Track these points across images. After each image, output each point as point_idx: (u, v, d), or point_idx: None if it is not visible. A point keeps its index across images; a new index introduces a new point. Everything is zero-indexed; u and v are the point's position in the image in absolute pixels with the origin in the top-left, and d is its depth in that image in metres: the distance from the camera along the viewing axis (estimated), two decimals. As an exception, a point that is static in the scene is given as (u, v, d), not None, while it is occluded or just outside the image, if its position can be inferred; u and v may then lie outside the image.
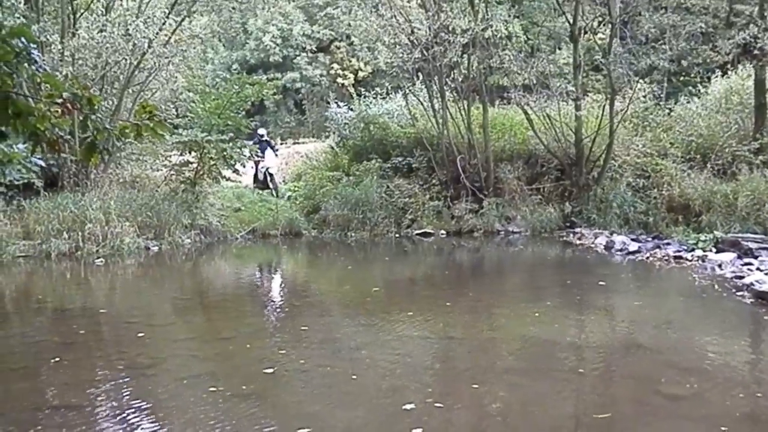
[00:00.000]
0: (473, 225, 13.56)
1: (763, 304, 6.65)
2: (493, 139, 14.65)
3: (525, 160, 14.52)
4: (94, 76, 12.72)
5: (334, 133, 17.44)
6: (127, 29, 12.63)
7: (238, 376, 4.83)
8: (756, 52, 12.74)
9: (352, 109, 16.98)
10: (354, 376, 4.76)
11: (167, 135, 11.66)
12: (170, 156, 14.03)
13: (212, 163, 12.92)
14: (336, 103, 17.69)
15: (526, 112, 14.03)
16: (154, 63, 13.39)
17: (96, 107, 3.34)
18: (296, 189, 16.11)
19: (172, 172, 13.24)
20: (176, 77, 14.85)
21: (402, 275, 9.85)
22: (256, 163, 16.41)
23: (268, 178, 16.29)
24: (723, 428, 3.78)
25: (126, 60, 12.80)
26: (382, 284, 8.86)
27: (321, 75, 30.24)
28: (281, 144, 25.89)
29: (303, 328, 6.34)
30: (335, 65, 30.17)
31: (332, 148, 17.09)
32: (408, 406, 4.08)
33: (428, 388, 4.60)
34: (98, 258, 10.22)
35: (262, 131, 17.07)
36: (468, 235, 13.27)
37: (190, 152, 12.96)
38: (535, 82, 14.06)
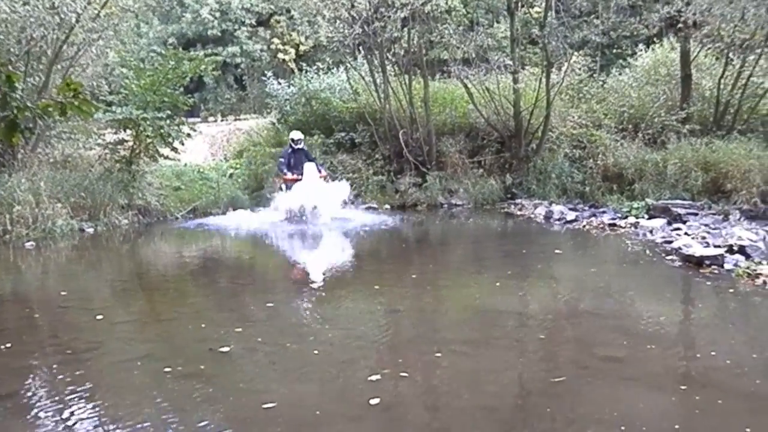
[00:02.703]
0: (417, 199, 13.69)
1: (689, 266, 6.98)
2: (434, 113, 14.74)
3: (466, 134, 14.70)
4: (18, 51, 12.16)
5: (275, 109, 17.21)
6: (53, 2, 12.09)
7: (182, 356, 4.78)
8: (680, 25, 13.16)
9: (293, 85, 16.77)
10: (315, 352, 4.79)
11: (97, 113, 11.37)
12: (104, 134, 13.58)
13: (149, 141, 12.58)
14: (276, 79, 17.39)
15: (466, 86, 14.15)
16: (84, 38, 12.88)
17: (16, 84, 3.21)
18: (238, 166, 15.87)
19: (106, 151, 12.82)
20: (108, 52, 14.34)
21: (346, 251, 9.88)
22: (286, 184, 12.08)
23: (306, 210, 11.47)
24: (662, 386, 3.99)
25: (53, 35, 12.27)
26: (326, 260, 8.87)
27: (261, 50, 29.74)
28: (222, 121, 25.46)
29: (249, 306, 6.33)
30: (276, 40, 29.71)
31: (274, 124, 16.88)
32: (366, 378, 4.14)
33: (382, 359, 4.67)
34: (28, 241, 9.85)
35: (296, 135, 12.57)
36: (412, 209, 13.39)
37: (125, 130, 12.57)
38: (474, 55, 14.18)
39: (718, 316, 5.75)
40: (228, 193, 13.74)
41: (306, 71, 17.34)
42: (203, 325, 5.61)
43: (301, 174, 11.80)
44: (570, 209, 11.69)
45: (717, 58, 14.58)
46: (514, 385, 4.12)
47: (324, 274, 8.01)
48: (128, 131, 12.53)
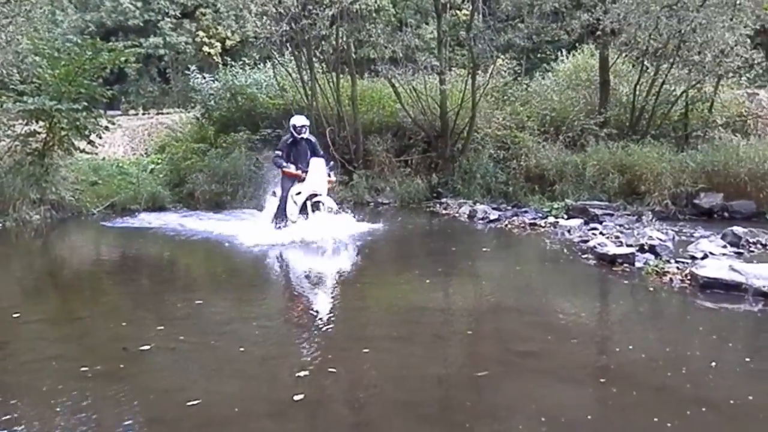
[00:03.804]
0: (343, 197, 13.62)
1: (603, 264, 7.25)
2: (362, 111, 14.77)
3: (393, 133, 14.76)
4: None
5: (199, 103, 16.81)
6: (-41, -15, 11.41)
7: (100, 355, 4.60)
8: (599, 32, 13.66)
9: (218, 80, 16.43)
10: (241, 349, 4.71)
11: (7, 102, 10.80)
12: (14, 125, 12.92)
13: (64, 133, 12.06)
14: (201, 73, 16.97)
15: (393, 86, 14.24)
16: (-7, 24, 12.23)
17: None
18: (159, 161, 15.42)
19: (16, 143, 12.19)
20: (20, 39, 13.64)
21: (272, 249, 9.74)
22: (281, 185, 9.82)
23: (311, 211, 9.47)
24: (581, 380, 4.12)
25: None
26: (249, 258, 8.72)
27: (186, 42, 28.96)
28: (144, 114, 24.67)
29: (172, 305, 6.15)
30: (201, 33, 29.01)
31: (198, 119, 16.50)
32: (293, 374, 4.09)
33: (310, 356, 4.63)
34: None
35: (299, 120, 10.06)
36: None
37: (37, 121, 12.01)
38: (402, 55, 14.27)
39: (631, 312, 6.00)
40: (149, 189, 13.33)
41: (231, 66, 17.02)
42: (123, 324, 5.42)
43: (304, 173, 9.57)
44: (493, 209, 11.93)
45: (633, 65, 15.17)
46: (437, 380, 4.16)
47: (251, 272, 7.87)
48: (41, 122, 11.97)
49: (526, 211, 11.90)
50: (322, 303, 6.36)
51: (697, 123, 14.57)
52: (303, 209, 9.52)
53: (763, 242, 8.39)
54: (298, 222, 9.46)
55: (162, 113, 23.43)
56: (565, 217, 10.87)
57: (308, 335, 5.22)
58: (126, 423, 3.46)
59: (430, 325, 5.42)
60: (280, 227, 9.56)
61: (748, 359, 4.48)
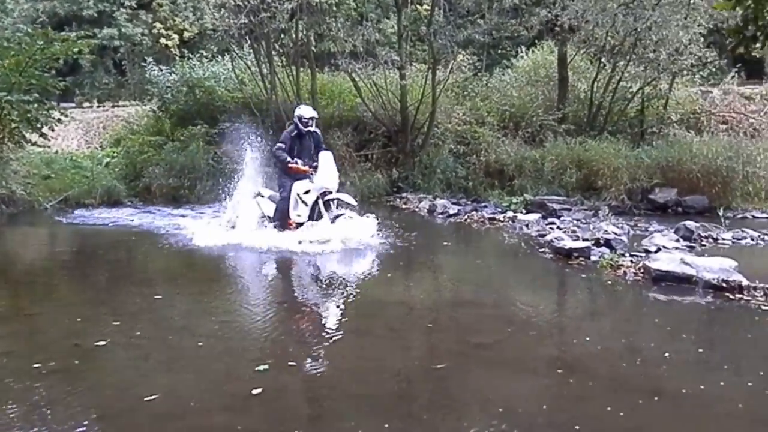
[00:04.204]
0: (303, 191, 13.55)
1: (560, 258, 7.34)
2: (322, 105, 14.64)
3: (354, 127, 14.72)
4: None
5: (156, 96, 16.48)
6: None
7: (53, 351, 4.44)
8: (557, 29, 13.83)
9: (175, 72, 16.13)
10: (200, 344, 4.62)
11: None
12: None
13: (14, 126, 11.69)
14: (157, 66, 16.63)
15: (353, 80, 14.18)
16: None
17: None
18: (115, 155, 15.09)
19: (-37, 136, 11.80)
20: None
21: (234, 242, 9.60)
22: (280, 183, 8.81)
23: (324, 210, 8.43)
24: (538, 371, 4.14)
25: None
26: (210, 255, 8.56)
27: (142, 34, 28.34)
28: (99, 107, 24.10)
29: (129, 300, 5.99)
30: (158, 24, 28.41)
31: (154, 112, 16.18)
32: (253, 369, 4.03)
33: (270, 350, 4.56)
34: None
35: (306, 111, 8.90)
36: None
37: (-15, 114, 11.63)
38: (362, 50, 14.22)
39: (587, 305, 6.09)
40: (104, 183, 13.03)
41: (189, 58, 16.73)
42: (78, 320, 5.25)
43: (312, 168, 8.57)
44: (453, 203, 11.99)
45: (591, 62, 15.41)
46: (395, 373, 4.15)
47: (211, 269, 7.73)
48: (-11, 115, 11.59)
49: (485, 206, 11.99)
50: (282, 298, 6.30)
51: (652, 120, 14.88)
52: (317, 212, 8.43)
53: (714, 236, 8.61)
54: (309, 224, 8.41)
55: (118, 106, 22.90)
56: (524, 211, 10.99)
57: (268, 330, 5.15)
58: (80, 420, 3.35)
59: (390, 319, 5.41)
60: (277, 222, 8.67)
61: (700, 350, 4.58)
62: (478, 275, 7.18)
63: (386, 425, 3.28)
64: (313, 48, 15.20)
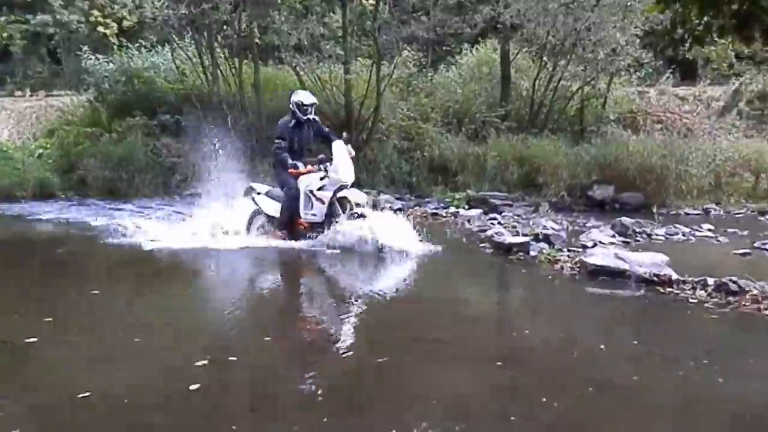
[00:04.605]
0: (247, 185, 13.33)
1: (500, 253, 7.44)
2: (266, 98, 14.47)
3: (298, 121, 14.54)
4: None
5: (92, 86, 15.95)
6: None
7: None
8: (500, 27, 14.02)
9: (112, 62, 15.64)
10: (137, 339, 4.46)
11: None
12: None
13: (-63, 114, 11.12)
14: (94, 54, 16.08)
15: (297, 73, 14.04)
16: None
17: None
18: (48, 146, 14.54)
19: None
20: None
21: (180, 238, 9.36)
22: (283, 179, 7.98)
23: (339, 209, 7.65)
24: (479, 364, 4.16)
25: None
26: (149, 251, 8.31)
27: (79, 21, 27.32)
28: (31, 96, 23.14)
29: (64, 296, 5.81)
30: (95, 12, 27.42)
31: (91, 102, 15.66)
32: (192, 364, 3.94)
33: (210, 345, 4.49)
34: None
35: (305, 98, 8.21)
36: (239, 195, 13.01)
37: None
38: (306, 43, 14.09)
39: (525, 299, 6.18)
40: (36, 175, 12.56)
41: (128, 48, 16.24)
42: (6, 317, 5.03)
43: (321, 164, 7.70)
44: (397, 199, 12.02)
45: (533, 61, 15.67)
46: (337, 368, 4.11)
47: (151, 264, 7.50)
48: None
49: (429, 202, 12.06)
50: (224, 293, 6.18)
51: (591, 118, 15.24)
52: (331, 211, 7.64)
53: (649, 232, 8.88)
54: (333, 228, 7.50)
55: (52, 95, 21.98)
56: (467, 207, 11.12)
57: (208, 325, 5.06)
58: (9, 420, 3.19)
59: (333, 313, 5.38)
60: (279, 222, 7.85)
61: (635, 342, 4.70)
62: (419, 270, 7.19)
63: (325, 419, 3.25)
64: (257, 40, 14.96)
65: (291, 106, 8.07)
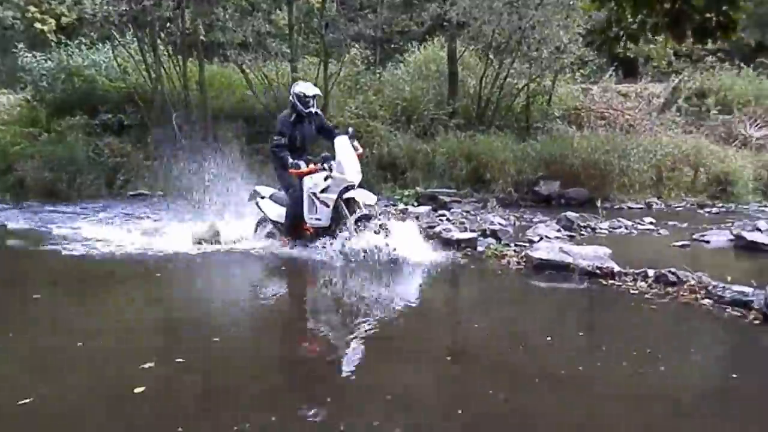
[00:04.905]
0: (192, 185, 13.07)
1: (449, 249, 7.46)
2: (211, 97, 14.24)
3: (245, 119, 14.39)
4: None
5: (30, 84, 15.42)
6: None
7: None
8: (446, 25, 14.12)
9: (51, 59, 15.13)
10: (79, 344, 4.29)
11: None
12: None
13: None
14: (31, 52, 15.53)
15: (243, 71, 13.86)
16: None
17: None
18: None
19: None
20: None
21: (129, 237, 9.08)
22: (285, 181, 7.43)
23: (346, 212, 6.92)
24: (426, 358, 4.16)
25: None
26: (94, 255, 8.05)
27: (14, 17, 26.38)
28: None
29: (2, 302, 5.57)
30: (32, 8, 26.52)
31: (28, 101, 15.15)
32: (137, 367, 3.83)
33: (156, 347, 4.39)
34: None
35: (307, 89, 7.42)
36: (185, 195, 12.74)
37: None
38: (252, 41, 13.92)
39: (474, 293, 6.22)
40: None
41: (67, 45, 15.75)
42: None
43: (325, 163, 6.97)
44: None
45: (480, 59, 15.83)
46: (286, 365, 4.08)
47: (95, 268, 7.26)
48: None
49: (378, 199, 12.04)
50: (172, 294, 6.04)
51: (537, 115, 15.48)
52: (338, 213, 6.97)
53: (593, 226, 9.08)
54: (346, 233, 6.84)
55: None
56: (416, 204, 11.15)
57: (155, 326, 4.94)
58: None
59: (279, 312, 5.32)
60: (298, 235, 7.25)
61: (581, 333, 4.78)
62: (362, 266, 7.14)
63: (273, 418, 3.21)
64: (201, 38, 14.70)
65: (291, 98, 7.37)
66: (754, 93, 17.17)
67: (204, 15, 14.21)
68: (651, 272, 5.76)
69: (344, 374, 3.91)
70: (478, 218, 9.15)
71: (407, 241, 6.75)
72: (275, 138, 7.29)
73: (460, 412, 3.28)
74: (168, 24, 14.19)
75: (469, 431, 3.14)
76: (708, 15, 3.58)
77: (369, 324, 4.94)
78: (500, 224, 8.40)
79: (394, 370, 3.96)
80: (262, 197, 7.75)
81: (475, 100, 15.13)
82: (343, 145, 7.01)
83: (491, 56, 14.86)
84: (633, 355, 4.09)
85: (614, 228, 9.18)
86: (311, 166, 7.04)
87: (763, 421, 3.29)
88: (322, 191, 6.96)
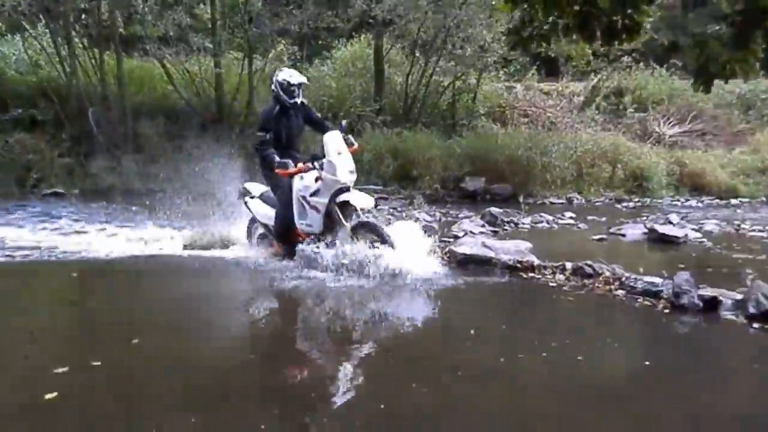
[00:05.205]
0: (111, 183, 12.61)
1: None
2: (131, 92, 13.77)
3: (166, 115, 13.98)
4: None
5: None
6: None
7: None
8: (371, 21, 14.13)
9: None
10: None
11: None
12: None
13: None
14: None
15: (164, 66, 13.46)
16: None
17: None
18: None
19: None
20: None
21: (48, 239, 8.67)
22: (272, 181, 6.62)
23: (341, 218, 6.15)
24: (351, 355, 4.14)
25: None
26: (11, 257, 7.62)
27: None
28: None
29: None
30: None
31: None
32: (51, 372, 3.65)
33: (71, 351, 4.22)
34: None
35: (292, 76, 6.51)
36: (104, 194, 12.28)
37: None
38: (173, 35, 13.53)
39: (399, 289, 6.21)
40: None
41: (-29, 36, 14.91)
42: None
43: (314, 161, 6.13)
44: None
45: (406, 56, 15.92)
46: (206, 368, 3.95)
47: (10, 272, 6.87)
48: None
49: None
50: (90, 297, 5.79)
51: (462, 112, 15.72)
52: (333, 218, 6.20)
53: (516, 221, 9.28)
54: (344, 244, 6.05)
55: None
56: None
57: (71, 330, 4.73)
58: None
59: (201, 313, 5.19)
60: (289, 242, 6.49)
61: (503, 326, 4.85)
62: (289, 263, 7.05)
63: (193, 419, 3.14)
64: (120, 30, 14.17)
65: (273, 87, 6.50)
66: (667, 92, 17.98)
67: (122, 7, 13.70)
68: (569, 265, 5.92)
69: (261, 374, 3.86)
70: (405, 215, 9.19)
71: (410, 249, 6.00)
72: (258, 134, 6.50)
73: (382, 406, 3.28)
74: (83, 15, 13.61)
75: (383, 419, 3.15)
76: (614, 17, 3.70)
77: (289, 321, 4.89)
78: (426, 220, 8.47)
79: (317, 367, 3.93)
80: (252, 196, 6.96)
81: (401, 98, 15.21)
82: (333, 141, 6.16)
83: (417, 54, 14.97)
84: (552, 346, 4.18)
85: (536, 223, 9.41)
86: (300, 165, 6.19)
87: (674, 404, 3.42)
88: (313, 194, 6.19)
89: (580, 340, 4.39)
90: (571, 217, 10.01)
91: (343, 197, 6.10)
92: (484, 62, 14.29)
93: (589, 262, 5.85)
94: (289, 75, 6.48)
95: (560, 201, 12.47)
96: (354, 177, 6.23)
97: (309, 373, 3.87)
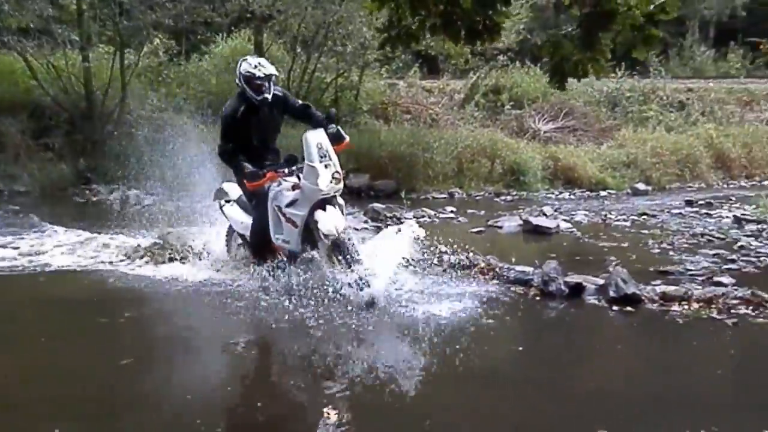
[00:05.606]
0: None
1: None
2: (-12, 87, 12.78)
3: (30, 113, 13.09)
4: None
5: None
6: None
7: None
8: (249, 16, 13.90)
9: None
10: None
11: None
12: None
13: None
14: None
15: (26, 59, 12.59)
16: None
17: None
18: None
19: None
20: None
21: None
22: (247, 190, 5.63)
23: (321, 235, 5.15)
24: (231, 353, 4.21)
25: None
26: None
27: None
28: None
29: None
30: None
31: None
32: None
33: None
34: None
35: (259, 67, 5.48)
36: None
37: None
38: (34, 26, 12.66)
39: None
40: None
41: None
42: None
43: (291, 166, 5.38)
44: (148, 194, 11.39)
45: (287, 52, 15.75)
46: (80, 374, 3.84)
47: None
48: None
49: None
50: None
51: (345, 109, 15.74)
52: (307, 236, 5.36)
53: (399, 216, 9.42)
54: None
55: None
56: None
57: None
58: None
59: (77, 318, 5.03)
60: (264, 255, 5.58)
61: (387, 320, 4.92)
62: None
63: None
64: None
65: (238, 81, 5.56)
66: (542, 90, 18.80)
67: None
68: (446, 257, 6.08)
69: (143, 378, 3.76)
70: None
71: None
72: (219, 144, 5.63)
73: (259, 404, 3.25)
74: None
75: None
76: (477, 18, 3.83)
77: (164, 324, 4.74)
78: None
79: (194, 370, 3.87)
80: (228, 200, 6.14)
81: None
82: (315, 142, 5.24)
83: (299, 50, 14.85)
84: (431, 336, 4.32)
85: (419, 217, 9.59)
86: (270, 173, 5.30)
87: (544, 386, 3.64)
88: (289, 205, 5.35)
89: (455, 329, 4.56)
90: (452, 211, 10.30)
91: (316, 215, 5.18)
92: (365, 59, 14.40)
93: (466, 254, 6.04)
94: (253, 66, 5.47)
95: (442, 196, 12.79)
96: (340, 186, 5.39)
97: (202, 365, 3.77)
